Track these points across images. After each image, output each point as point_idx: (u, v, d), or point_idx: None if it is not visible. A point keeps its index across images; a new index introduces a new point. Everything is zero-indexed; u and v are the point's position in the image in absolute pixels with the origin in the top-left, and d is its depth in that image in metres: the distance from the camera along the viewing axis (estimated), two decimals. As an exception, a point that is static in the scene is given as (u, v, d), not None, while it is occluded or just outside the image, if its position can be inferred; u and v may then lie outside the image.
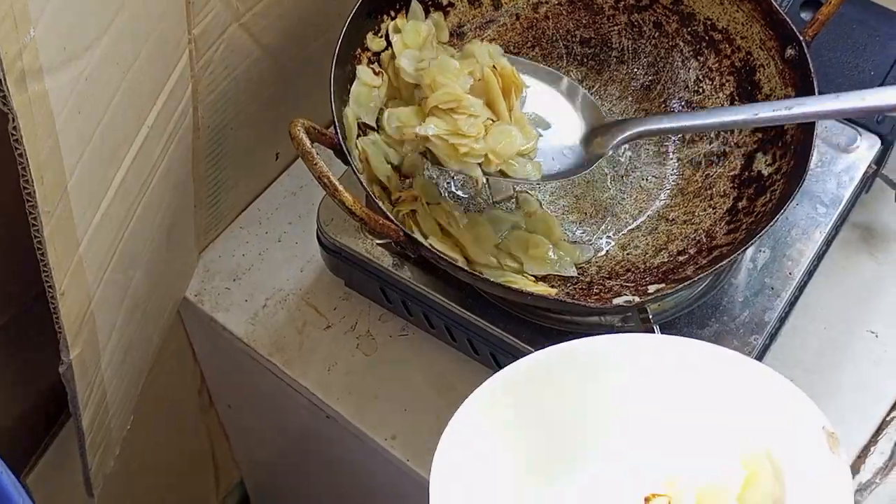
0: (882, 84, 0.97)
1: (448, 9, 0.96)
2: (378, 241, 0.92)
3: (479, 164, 0.84)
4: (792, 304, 0.94)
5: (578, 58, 0.99)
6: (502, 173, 0.85)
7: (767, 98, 0.91)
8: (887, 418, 0.95)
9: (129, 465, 1.09)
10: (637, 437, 0.79)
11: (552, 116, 0.89)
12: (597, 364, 0.78)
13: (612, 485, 0.78)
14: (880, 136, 0.96)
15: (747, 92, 0.93)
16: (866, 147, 0.95)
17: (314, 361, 1.00)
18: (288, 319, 1.02)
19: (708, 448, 0.77)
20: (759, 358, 0.90)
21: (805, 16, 0.98)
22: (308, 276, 1.04)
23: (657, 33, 0.97)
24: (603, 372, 0.78)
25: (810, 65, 0.86)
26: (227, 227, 1.07)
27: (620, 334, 0.80)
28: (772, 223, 0.82)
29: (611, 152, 0.88)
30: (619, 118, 0.96)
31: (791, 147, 0.88)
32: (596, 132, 0.88)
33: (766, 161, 0.90)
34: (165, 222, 0.92)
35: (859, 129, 0.96)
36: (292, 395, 1.01)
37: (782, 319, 0.93)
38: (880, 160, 0.96)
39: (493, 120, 0.85)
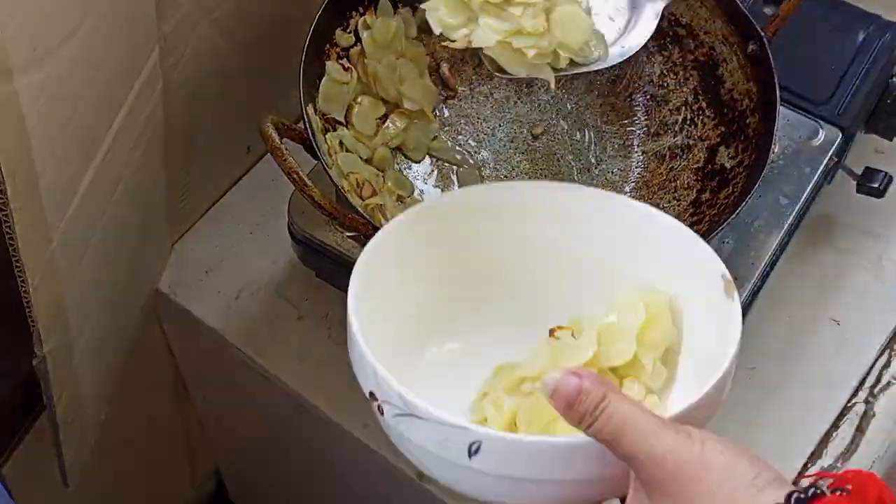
0: (844, 76, 0.98)
1: (416, 4, 0.97)
2: (348, 234, 0.93)
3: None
4: (755, 293, 0.95)
5: (545, 52, 1.00)
6: (573, 63, 0.81)
7: (730, 92, 0.93)
8: (849, 404, 0.97)
9: (105, 455, 1.09)
10: (543, 280, 0.81)
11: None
12: (512, 208, 0.79)
13: (519, 324, 0.79)
14: (841, 129, 0.97)
15: (711, 86, 0.94)
16: (827, 139, 0.97)
17: (287, 351, 1.01)
18: (260, 310, 1.03)
19: (612, 292, 0.78)
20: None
21: (768, 10, 1.00)
22: (280, 268, 1.05)
23: (622, 28, 0.98)
24: (516, 216, 0.79)
25: (771, 60, 0.88)
26: (199, 219, 1.08)
27: (535, 181, 0.83)
28: (734, 215, 0.83)
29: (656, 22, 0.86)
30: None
31: (752, 140, 0.89)
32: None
33: (728, 154, 0.91)
34: (138, 216, 0.93)
35: (820, 121, 0.97)
36: (265, 385, 1.02)
37: (746, 308, 0.95)
38: (841, 152, 0.98)
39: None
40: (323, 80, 0.91)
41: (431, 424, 0.64)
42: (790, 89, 0.97)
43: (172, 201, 1.01)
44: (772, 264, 0.96)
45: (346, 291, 0.99)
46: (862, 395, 0.97)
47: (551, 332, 0.77)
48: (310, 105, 0.88)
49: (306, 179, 0.80)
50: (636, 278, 0.77)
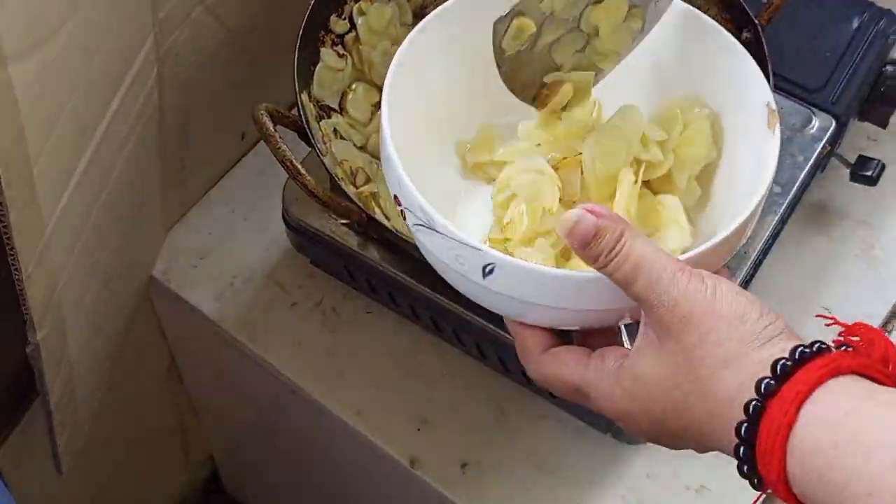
0: (837, 64, 0.98)
1: (409, -10, 0.97)
2: (342, 221, 0.93)
3: None
4: (748, 281, 0.95)
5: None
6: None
7: None
8: (840, 393, 0.97)
9: (99, 440, 1.10)
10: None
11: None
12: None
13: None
14: (835, 117, 0.97)
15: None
16: (821, 127, 0.97)
17: (280, 338, 1.01)
18: (254, 297, 1.03)
19: (655, 99, 0.78)
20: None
21: (764, -1, 1.00)
22: (274, 255, 1.05)
23: (617, 15, 0.98)
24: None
25: (765, 48, 0.87)
26: (193, 205, 1.08)
27: None
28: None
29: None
30: None
31: None
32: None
33: None
34: (133, 203, 0.93)
35: (814, 109, 0.97)
36: (259, 372, 1.03)
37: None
38: (835, 140, 0.98)
39: None
40: (317, 67, 0.91)
41: (448, 240, 0.65)
42: (784, 77, 0.97)
43: (167, 188, 1.01)
44: (764, 252, 0.96)
45: (339, 278, 1.00)
46: (854, 382, 0.98)
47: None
48: (304, 92, 0.89)
49: (299, 167, 0.80)
50: (681, 88, 0.77)
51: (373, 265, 0.93)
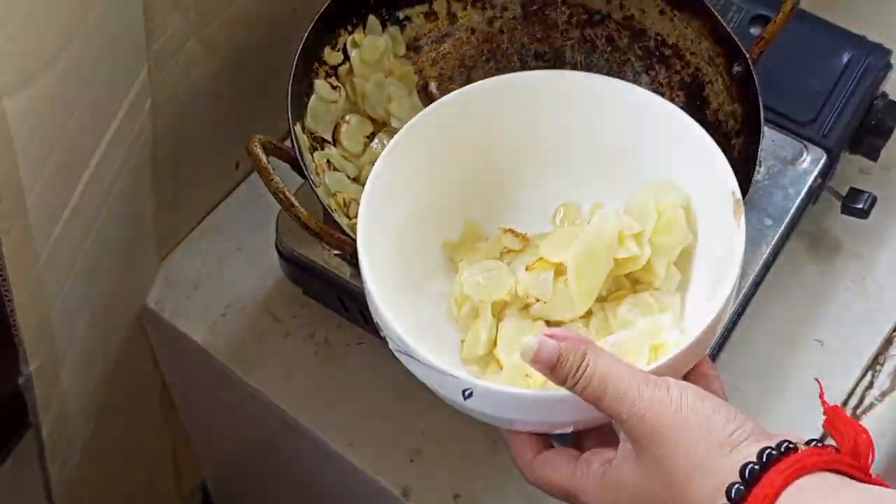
0: (828, 97, 0.99)
1: (405, 23, 0.97)
2: (335, 252, 0.94)
3: None
4: (739, 314, 0.96)
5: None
6: None
7: (716, 113, 0.93)
8: (832, 425, 0.97)
9: (91, 469, 1.09)
10: (558, 180, 0.82)
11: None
12: (524, 97, 0.81)
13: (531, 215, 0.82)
14: (826, 150, 0.97)
15: (697, 107, 0.94)
16: (812, 160, 0.97)
17: (273, 369, 1.01)
18: (247, 327, 1.03)
19: (624, 188, 0.79)
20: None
21: (754, 31, 1.00)
22: (267, 285, 1.05)
23: (609, 48, 0.98)
24: (527, 105, 0.81)
25: (755, 81, 0.88)
26: (187, 235, 1.08)
27: (547, 71, 0.83)
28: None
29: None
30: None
31: (737, 161, 0.89)
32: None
33: None
34: (126, 233, 0.94)
35: (805, 142, 0.98)
36: (252, 402, 1.03)
37: (730, 329, 0.95)
38: (826, 173, 0.98)
39: None
40: (311, 99, 0.91)
41: (427, 368, 0.68)
42: (775, 110, 0.98)
43: (161, 218, 1.01)
44: (756, 285, 0.96)
45: (332, 309, 1.00)
46: (845, 415, 0.98)
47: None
48: (297, 123, 0.89)
49: (293, 199, 0.80)
50: (652, 173, 0.78)
51: (365, 296, 0.93)
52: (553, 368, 0.63)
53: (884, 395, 0.99)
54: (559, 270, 0.77)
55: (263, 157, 0.81)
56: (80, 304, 0.88)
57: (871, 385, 0.99)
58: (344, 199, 0.90)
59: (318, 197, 0.85)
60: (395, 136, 0.78)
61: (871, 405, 0.98)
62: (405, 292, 0.77)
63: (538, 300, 0.77)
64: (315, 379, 1.00)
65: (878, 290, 1.03)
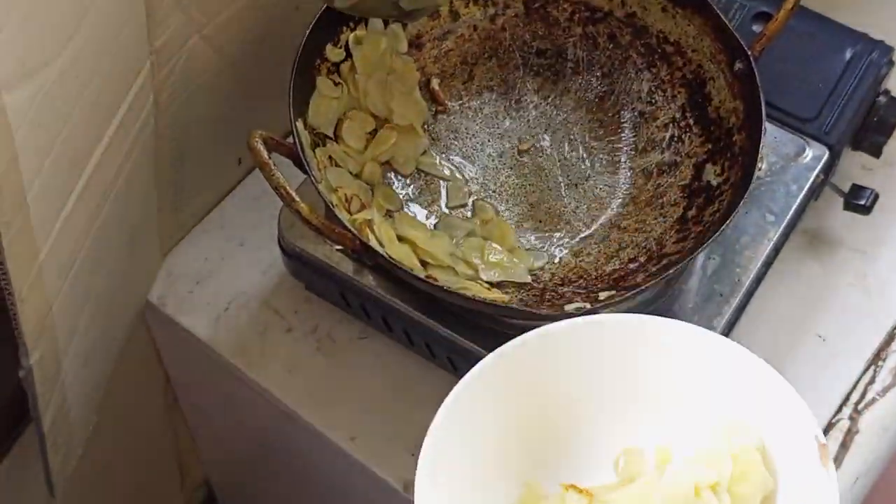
0: (831, 94, 0.99)
1: (406, 20, 0.97)
2: (337, 248, 0.94)
3: None
4: (741, 310, 0.96)
5: (535, 68, 1.01)
6: None
7: (717, 110, 0.93)
8: (833, 420, 0.97)
9: (94, 463, 1.10)
10: (621, 424, 0.78)
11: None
12: (579, 347, 0.77)
13: (592, 461, 0.77)
14: (828, 146, 0.97)
15: (698, 104, 0.95)
16: (814, 156, 0.97)
17: (275, 364, 1.01)
18: (250, 322, 1.03)
19: (696, 437, 0.75)
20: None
21: (756, 28, 1.00)
22: (270, 280, 1.05)
23: (611, 45, 0.99)
24: (583, 355, 0.78)
25: (757, 78, 0.88)
26: (189, 230, 1.08)
27: (602, 315, 0.79)
28: (719, 232, 0.84)
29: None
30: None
31: (739, 158, 0.90)
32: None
33: (715, 171, 0.92)
34: (128, 229, 0.94)
35: (808, 139, 0.98)
36: (254, 397, 1.03)
37: (731, 325, 0.95)
38: (828, 169, 0.98)
39: None
40: (313, 96, 0.92)
41: None
42: (777, 106, 0.98)
43: (163, 213, 1.01)
44: (758, 280, 0.96)
45: (335, 304, 1.01)
46: (846, 411, 0.98)
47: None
48: (299, 120, 0.89)
49: (294, 194, 0.80)
50: (724, 416, 0.75)
51: (368, 291, 0.93)
52: None
53: (885, 390, 0.99)
54: None
55: (265, 153, 0.81)
56: (81, 299, 0.88)
57: (872, 381, 0.99)
58: (346, 194, 0.90)
59: (319, 192, 0.85)
60: (453, 392, 0.75)
61: (873, 401, 0.98)
62: None
63: None
64: (317, 374, 1.00)
65: (879, 286, 1.03)
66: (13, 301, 0.75)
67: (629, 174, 0.97)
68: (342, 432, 0.98)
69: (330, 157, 0.91)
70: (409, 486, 0.95)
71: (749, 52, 0.89)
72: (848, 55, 0.99)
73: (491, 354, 0.77)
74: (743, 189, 0.86)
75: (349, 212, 0.89)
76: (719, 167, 0.92)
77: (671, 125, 0.97)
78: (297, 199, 0.81)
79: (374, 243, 0.86)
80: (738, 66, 0.91)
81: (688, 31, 0.95)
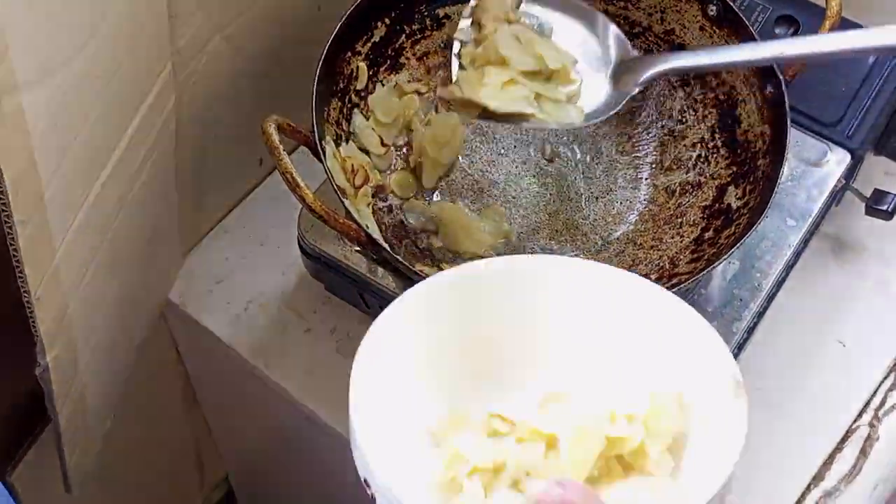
0: (854, 98, 0.98)
1: (444, 21, 0.98)
2: (356, 248, 0.94)
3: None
4: (761, 314, 0.95)
5: (570, 78, 1.00)
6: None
7: (745, 133, 0.93)
8: (853, 426, 0.97)
9: (112, 461, 1.10)
10: (544, 368, 0.79)
11: (579, 52, 0.89)
12: (512, 283, 0.78)
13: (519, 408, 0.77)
14: (850, 151, 0.97)
15: (727, 125, 0.94)
16: (836, 161, 0.97)
17: (294, 364, 1.02)
18: (269, 322, 1.04)
19: (617, 378, 0.77)
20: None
21: (779, 31, 1.00)
22: (289, 280, 1.06)
23: (647, 61, 0.98)
24: (517, 291, 0.79)
25: (786, 104, 0.87)
26: (210, 230, 1.09)
27: (538, 255, 0.82)
28: (728, 255, 0.84)
29: (638, 90, 0.87)
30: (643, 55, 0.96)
31: (760, 183, 0.89)
32: (623, 68, 0.88)
33: (736, 194, 0.91)
34: (148, 228, 0.94)
35: (829, 143, 0.97)
36: (273, 396, 1.03)
37: (751, 330, 0.95)
38: (850, 174, 0.98)
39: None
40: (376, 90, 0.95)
41: None
42: (800, 111, 0.97)
43: (184, 213, 1.02)
44: (778, 285, 0.96)
45: (354, 305, 1.01)
46: (866, 417, 0.97)
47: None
48: (322, 107, 0.89)
49: (299, 180, 0.81)
50: (645, 364, 0.77)
51: (386, 292, 0.93)
52: None
53: (906, 397, 0.98)
54: (550, 444, 0.74)
55: (275, 137, 0.82)
56: (99, 298, 0.88)
57: (893, 387, 0.99)
58: (353, 165, 0.91)
59: (331, 181, 0.85)
60: (387, 309, 0.76)
61: (893, 407, 0.98)
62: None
63: (528, 474, 0.73)
64: (336, 374, 1.00)
65: (901, 292, 1.03)
66: (29, 299, 0.75)
67: (651, 191, 0.97)
68: (360, 433, 0.98)
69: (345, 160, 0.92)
70: (425, 487, 0.95)
71: (782, 78, 0.88)
72: (871, 60, 0.99)
73: (412, 288, 0.77)
74: (759, 213, 0.85)
75: (353, 184, 0.90)
76: (741, 190, 0.91)
77: (699, 145, 0.96)
78: (303, 184, 0.81)
79: (377, 236, 0.86)
80: (769, 90, 0.89)
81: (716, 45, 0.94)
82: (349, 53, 0.93)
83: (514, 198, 0.97)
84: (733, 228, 0.89)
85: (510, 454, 0.73)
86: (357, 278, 0.95)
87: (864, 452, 0.96)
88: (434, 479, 0.74)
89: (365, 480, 0.69)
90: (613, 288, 0.78)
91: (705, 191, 0.94)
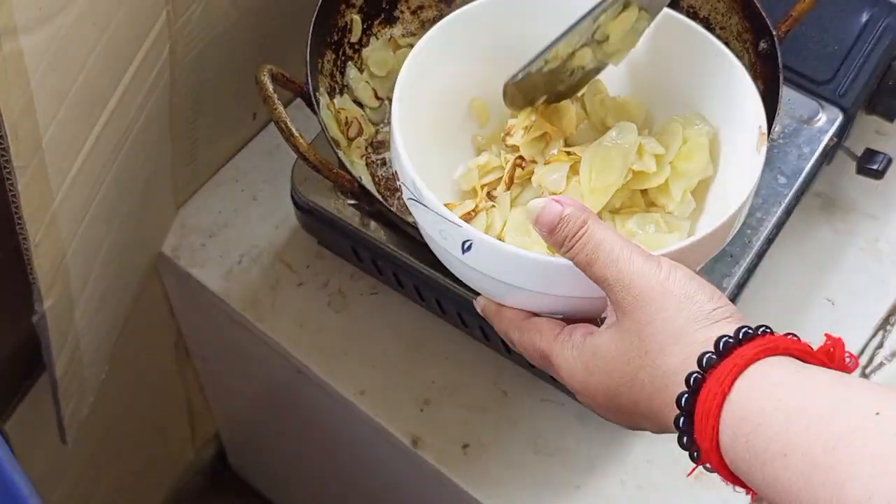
0: (846, 57, 0.99)
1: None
2: (349, 202, 0.94)
3: None
4: (751, 271, 0.96)
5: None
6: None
7: None
8: (841, 384, 0.97)
9: (106, 413, 1.11)
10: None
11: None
12: (557, 9, 0.79)
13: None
14: (842, 109, 0.97)
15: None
16: (828, 120, 0.97)
17: (286, 317, 1.02)
18: (262, 276, 1.04)
19: (657, 113, 0.82)
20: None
21: (778, -3, 1.00)
22: (282, 234, 1.06)
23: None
24: (562, 18, 0.79)
25: (779, 60, 0.87)
26: (204, 183, 1.09)
27: None
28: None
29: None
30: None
31: None
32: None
33: None
34: (143, 178, 0.94)
35: (822, 101, 0.98)
36: (265, 350, 1.04)
37: (741, 286, 0.95)
38: (842, 133, 0.98)
39: None
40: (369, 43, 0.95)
41: (433, 214, 0.69)
42: (792, 69, 0.98)
43: (178, 166, 1.02)
44: (768, 242, 0.96)
45: (346, 259, 1.01)
46: (854, 375, 0.98)
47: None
48: (316, 58, 0.89)
49: (293, 129, 0.81)
50: (684, 104, 0.80)
51: (379, 246, 0.93)
52: (553, 231, 0.64)
53: (894, 355, 0.99)
54: (575, 168, 0.78)
55: (270, 86, 0.82)
56: (95, 247, 0.89)
57: (881, 345, 0.99)
58: (346, 117, 0.91)
59: (324, 131, 0.86)
60: (441, 22, 0.78)
61: (881, 364, 0.99)
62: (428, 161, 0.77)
63: (552, 195, 0.76)
64: (328, 328, 1.01)
65: (891, 251, 1.04)
66: (27, 246, 0.75)
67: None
68: (351, 386, 0.99)
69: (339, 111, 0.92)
70: (416, 440, 0.96)
71: (774, 33, 0.88)
72: (864, 18, 0.99)
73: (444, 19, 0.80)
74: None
75: (347, 136, 0.90)
76: (734, 144, 0.91)
77: None
78: (297, 133, 0.81)
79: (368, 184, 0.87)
80: (762, 45, 0.90)
81: (717, 8, 0.93)
82: (343, 6, 0.93)
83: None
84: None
85: (536, 174, 0.78)
86: (350, 232, 0.95)
87: (851, 409, 0.97)
88: (461, 186, 0.81)
89: (394, 172, 0.73)
90: (657, 23, 0.79)
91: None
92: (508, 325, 0.71)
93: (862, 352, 0.99)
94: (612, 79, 0.83)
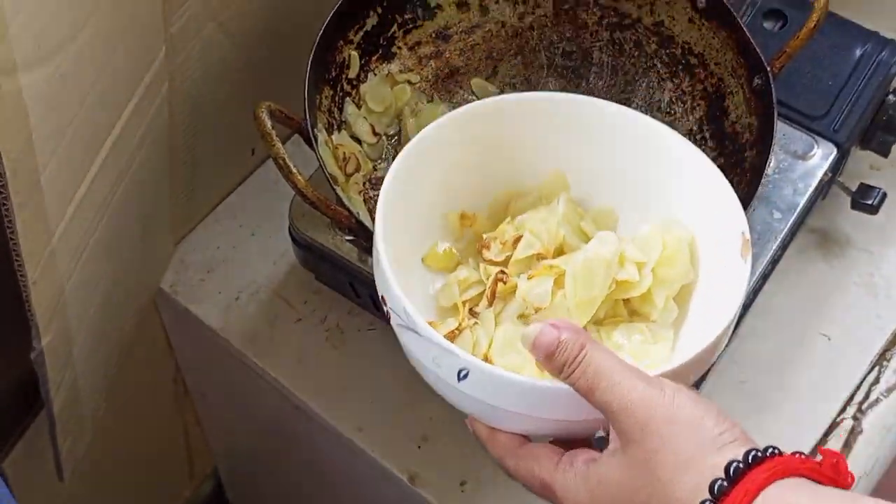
0: (840, 92, 0.99)
1: (436, 11, 0.98)
2: (347, 238, 0.94)
3: None
4: (746, 307, 0.96)
5: (559, 69, 1.01)
6: None
7: (734, 125, 0.93)
8: (837, 420, 0.97)
9: (103, 450, 1.10)
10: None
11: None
12: (535, 116, 0.81)
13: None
14: (837, 145, 0.98)
15: (716, 117, 0.95)
16: (823, 155, 0.98)
17: (285, 353, 1.02)
18: (260, 312, 1.04)
19: (633, 220, 0.81)
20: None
21: (768, 25, 1.01)
22: (280, 270, 1.06)
23: (637, 52, 0.98)
24: (542, 124, 0.81)
25: (773, 96, 0.87)
26: (202, 219, 1.09)
27: (568, 94, 0.83)
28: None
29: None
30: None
31: (747, 174, 0.90)
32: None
33: None
34: (141, 215, 0.94)
35: (816, 137, 0.98)
36: (263, 386, 1.04)
37: (738, 323, 0.95)
38: (836, 168, 0.99)
39: None
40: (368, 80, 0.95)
41: (427, 342, 0.69)
42: (787, 104, 0.98)
43: (176, 202, 1.02)
44: (764, 278, 0.97)
45: (344, 294, 1.01)
46: (850, 410, 0.98)
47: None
48: (314, 94, 0.90)
49: (291, 165, 0.81)
50: (660, 210, 0.80)
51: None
52: (551, 357, 0.64)
53: (890, 390, 0.99)
54: (559, 282, 0.77)
55: (268, 123, 0.83)
56: (93, 283, 0.89)
57: (877, 381, 0.99)
58: (344, 153, 0.91)
59: (323, 168, 0.86)
60: (419, 135, 0.79)
61: (877, 400, 0.98)
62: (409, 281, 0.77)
63: (536, 310, 0.77)
64: (326, 364, 1.01)
65: (886, 286, 1.04)
66: (26, 283, 0.76)
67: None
68: (349, 423, 0.99)
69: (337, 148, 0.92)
70: (414, 477, 0.96)
71: (769, 69, 0.89)
72: (858, 54, 1.00)
73: (443, 117, 0.80)
74: (745, 205, 0.82)
75: (345, 172, 0.90)
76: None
77: (688, 137, 0.96)
78: (295, 170, 0.81)
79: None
80: (756, 81, 0.90)
81: (712, 44, 0.94)
82: (341, 42, 0.94)
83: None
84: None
85: (520, 290, 0.77)
86: (347, 268, 0.95)
87: (847, 445, 0.96)
88: (441, 303, 0.80)
89: (382, 297, 0.72)
90: (634, 131, 0.81)
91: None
92: (504, 452, 0.70)
93: (858, 388, 0.99)
94: (589, 182, 0.84)
